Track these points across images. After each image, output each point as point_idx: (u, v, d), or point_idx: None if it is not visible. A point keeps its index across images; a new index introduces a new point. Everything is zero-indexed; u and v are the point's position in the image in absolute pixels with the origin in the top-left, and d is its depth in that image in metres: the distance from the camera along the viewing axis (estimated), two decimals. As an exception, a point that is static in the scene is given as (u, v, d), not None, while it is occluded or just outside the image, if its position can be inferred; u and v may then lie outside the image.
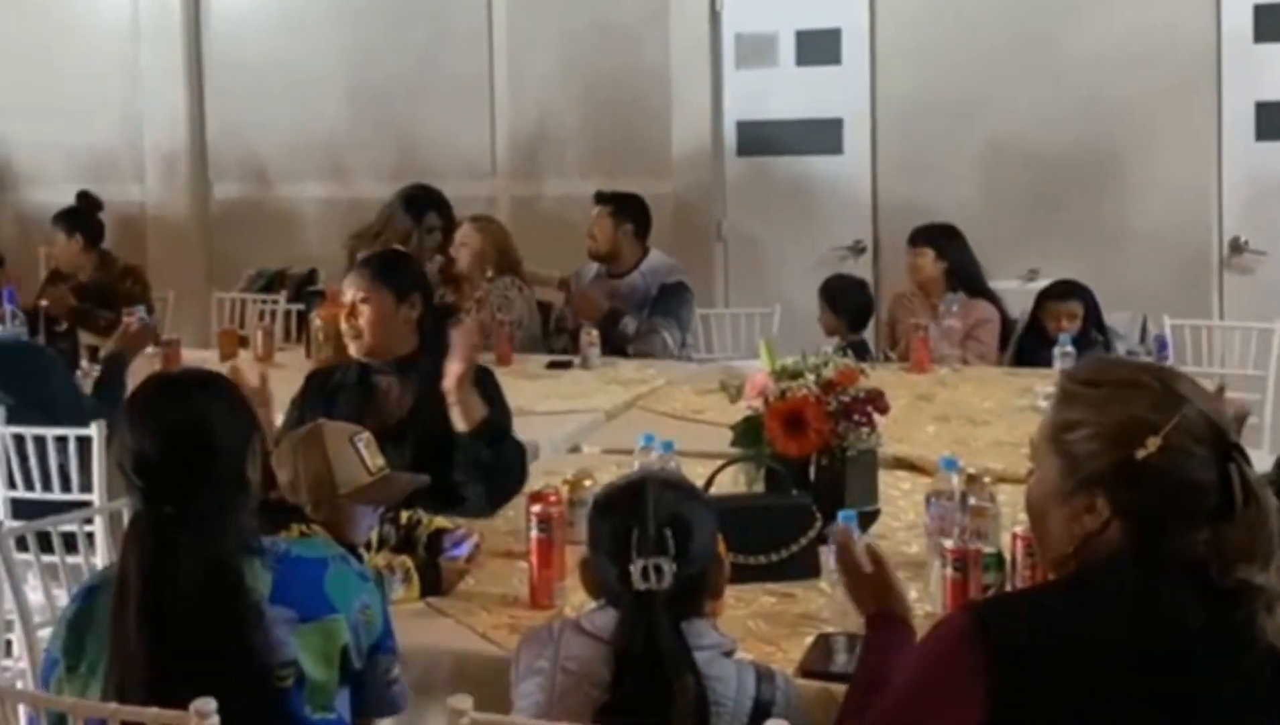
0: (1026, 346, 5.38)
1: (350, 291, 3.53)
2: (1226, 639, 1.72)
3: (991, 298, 5.57)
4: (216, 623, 2.09)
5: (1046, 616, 1.77)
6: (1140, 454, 1.75)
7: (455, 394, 3.29)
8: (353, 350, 3.54)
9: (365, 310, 3.49)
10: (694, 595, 2.12)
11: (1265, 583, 1.71)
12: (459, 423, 3.29)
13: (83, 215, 6.45)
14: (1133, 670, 1.70)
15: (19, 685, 3.17)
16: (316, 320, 5.32)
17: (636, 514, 2.09)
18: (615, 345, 5.54)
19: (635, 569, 2.05)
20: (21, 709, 2.34)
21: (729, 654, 2.12)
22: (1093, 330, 5.25)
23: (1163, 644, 1.72)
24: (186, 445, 2.16)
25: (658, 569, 2.05)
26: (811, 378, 3.02)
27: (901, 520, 3.18)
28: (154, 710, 1.99)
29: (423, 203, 5.90)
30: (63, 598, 3.32)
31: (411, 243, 5.63)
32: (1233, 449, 1.76)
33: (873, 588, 2.17)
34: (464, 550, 2.88)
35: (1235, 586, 1.71)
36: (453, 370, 3.29)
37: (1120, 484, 1.77)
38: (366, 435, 2.80)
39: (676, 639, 2.04)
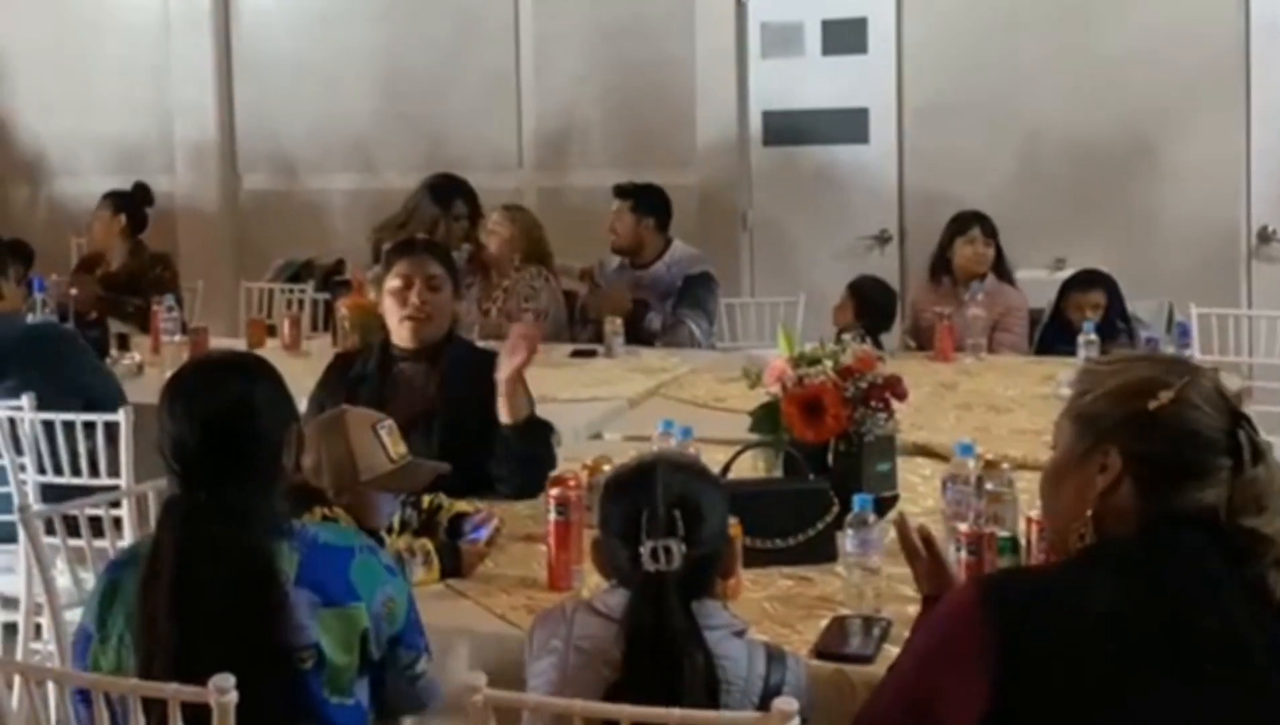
0: (1049, 337, 5.35)
1: (419, 273, 3.48)
2: (1236, 599, 1.73)
3: (1014, 287, 5.55)
4: (243, 605, 2.12)
5: (1053, 588, 1.79)
6: (1153, 405, 1.78)
7: (507, 387, 3.27)
8: (408, 332, 3.48)
9: (436, 296, 3.49)
10: (704, 576, 2.13)
11: (1274, 533, 1.73)
12: (504, 415, 3.27)
13: (133, 201, 6.50)
14: (1138, 638, 1.71)
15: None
16: (342, 309, 5.35)
17: (646, 495, 2.10)
18: (642, 340, 5.55)
19: (645, 550, 2.07)
20: (51, 686, 2.38)
21: (740, 634, 2.13)
22: (1117, 320, 5.21)
23: (1169, 613, 1.73)
24: (226, 435, 2.18)
25: (667, 550, 2.06)
26: (829, 364, 3.03)
27: (920, 506, 3.18)
28: (174, 686, 2.02)
29: (449, 191, 5.93)
30: (89, 581, 3.36)
31: (439, 231, 5.66)
32: (1242, 417, 1.80)
33: (927, 570, 2.19)
34: (484, 533, 2.90)
35: (1245, 540, 1.74)
36: (510, 363, 3.26)
37: (1133, 434, 1.80)
38: (389, 422, 2.82)
39: (686, 619, 2.06)
